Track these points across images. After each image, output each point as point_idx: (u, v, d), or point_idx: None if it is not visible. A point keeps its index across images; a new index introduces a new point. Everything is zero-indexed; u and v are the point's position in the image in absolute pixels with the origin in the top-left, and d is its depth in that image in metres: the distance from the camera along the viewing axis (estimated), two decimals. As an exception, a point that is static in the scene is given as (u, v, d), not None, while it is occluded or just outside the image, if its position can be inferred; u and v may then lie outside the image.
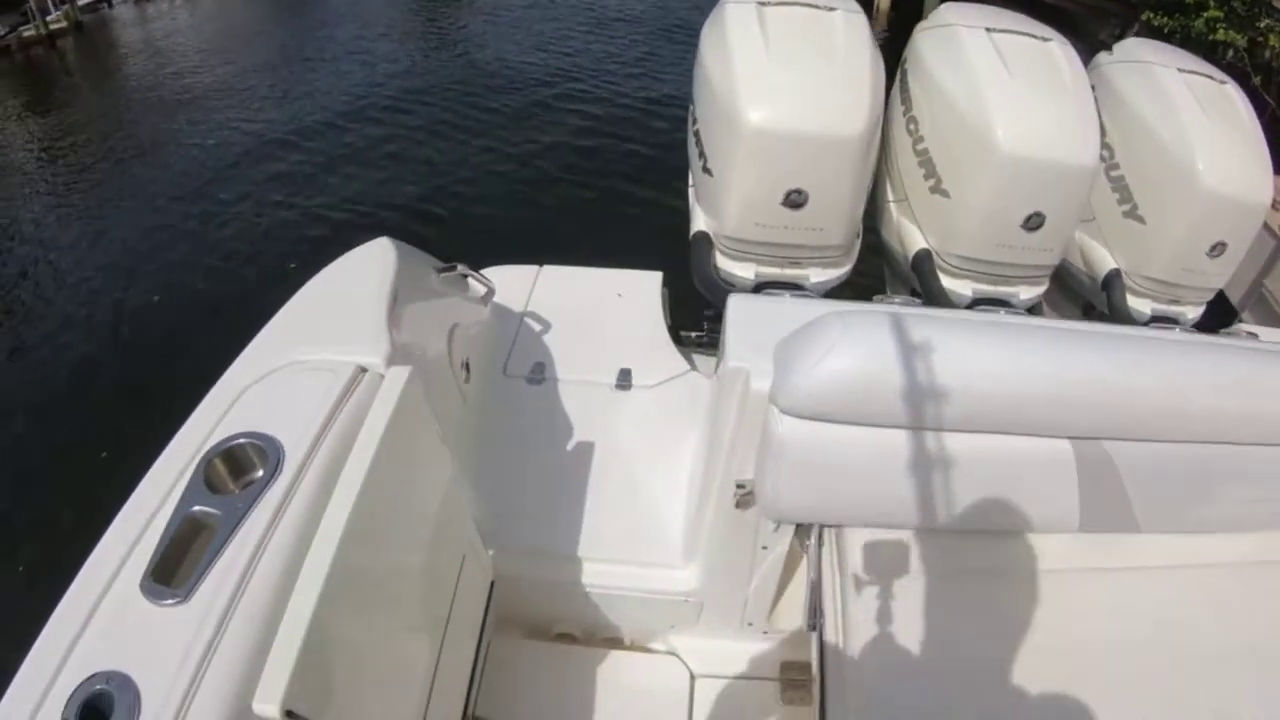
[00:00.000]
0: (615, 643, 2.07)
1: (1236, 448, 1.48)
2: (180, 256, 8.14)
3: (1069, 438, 1.39)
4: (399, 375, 1.33)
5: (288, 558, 1.12)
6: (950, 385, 1.24)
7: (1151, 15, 7.45)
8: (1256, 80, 6.83)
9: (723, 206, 2.37)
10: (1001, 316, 2.04)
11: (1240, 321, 4.51)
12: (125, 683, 1.00)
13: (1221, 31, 6.59)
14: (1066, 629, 1.44)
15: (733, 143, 2.24)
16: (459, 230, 7.96)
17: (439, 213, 8.36)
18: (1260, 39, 6.45)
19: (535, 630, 2.06)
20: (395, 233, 1.84)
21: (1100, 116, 2.42)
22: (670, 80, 11.93)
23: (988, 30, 2.45)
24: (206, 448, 1.26)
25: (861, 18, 2.42)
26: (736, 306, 1.66)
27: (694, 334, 2.61)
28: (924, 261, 2.57)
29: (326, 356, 1.42)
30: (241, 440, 1.25)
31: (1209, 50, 7.08)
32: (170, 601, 1.08)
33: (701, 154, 2.42)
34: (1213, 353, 1.47)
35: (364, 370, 1.40)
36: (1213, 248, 2.66)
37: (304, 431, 1.25)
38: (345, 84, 12.61)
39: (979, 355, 1.30)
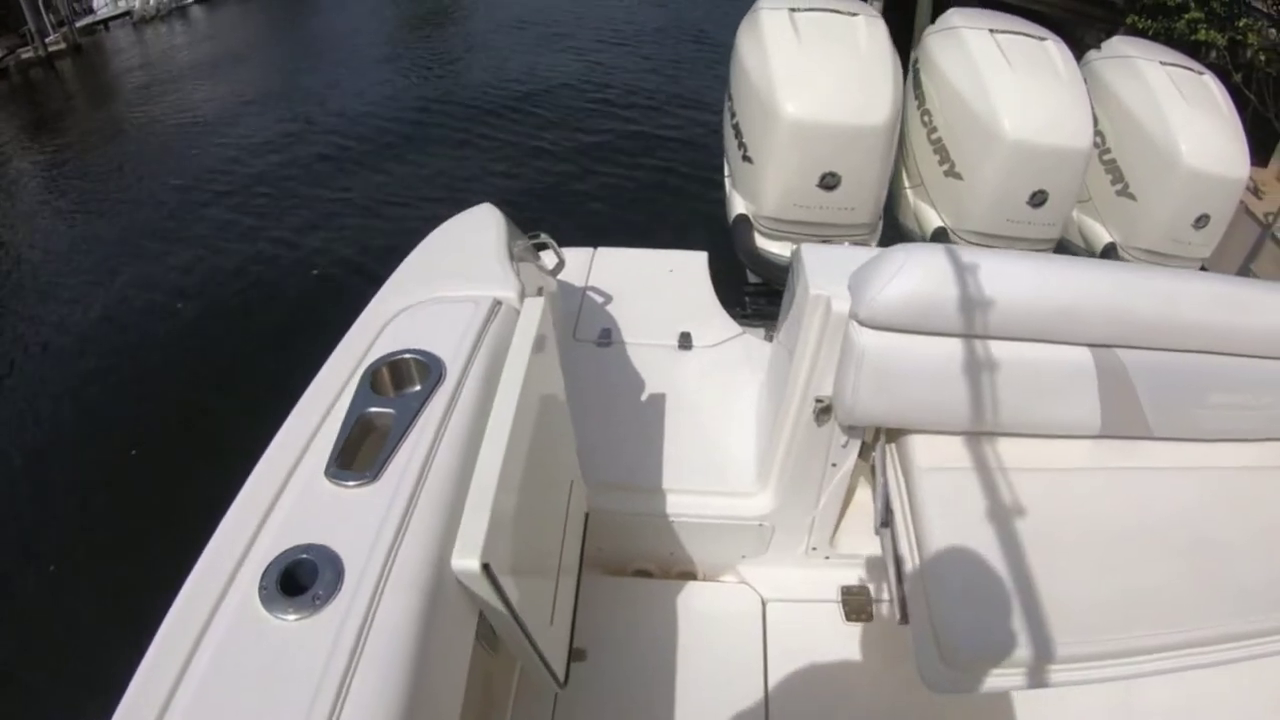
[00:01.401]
0: (689, 575, 2.28)
1: (1226, 358, 1.78)
2: (197, 270, 8.23)
3: (1088, 344, 1.70)
4: (535, 305, 1.54)
5: (464, 443, 1.28)
6: (993, 299, 1.55)
7: (1136, 19, 7.82)
8: (1237, 78, 7.17)
9: (763, 190, 2.70)
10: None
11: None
12: (324, 552, 1.08)
13: (1203, 32, 6.94)
14: (1098, 516, 1.71)
15: (772, 132, 2.57)
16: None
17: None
18: (1240, 38, 6.81)
19: (615, 567, 2.27)
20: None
21: (1092, 106, 2.76)
22: (692, 85, 12.65)
23: (990, 31, 2.81)
24: (368, 362, 1.40)
25: (881, 23, 2.78)
26: (809, 252, 1.90)
27: (738, 309, 2.92)
28: (941, 238, 2.89)
29: (464, 293, 1.60)
30: (406, 355, 1.41)
31: (1191, 50, 7.44)
32: (357, 483, 1.18)
33: (741, 144, 2.75)
34: (1200, 278, 1.80)
35: (499, 303, 1.59)
36: (1197, 220, 2.99)
37: (458, 350, 1.42)
38: (346, 101, 12.74)
39: (1014, 274, 1.60)
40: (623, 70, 13.39)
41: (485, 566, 1.11)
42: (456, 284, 1.67)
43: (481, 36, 16.02)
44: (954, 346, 1.63)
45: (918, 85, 2.96)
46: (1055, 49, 2.84)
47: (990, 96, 2.66)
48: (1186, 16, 7.18)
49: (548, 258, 2.30)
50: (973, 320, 1.58)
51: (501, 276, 1.70)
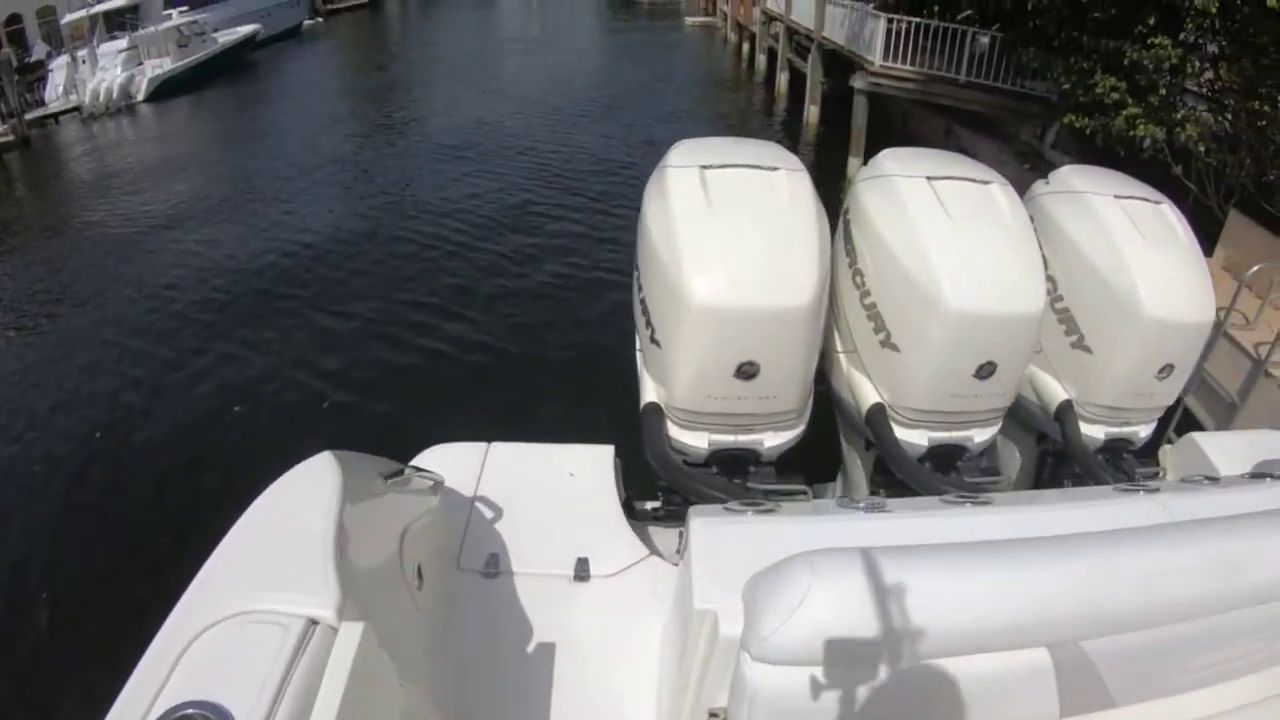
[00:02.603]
0: None
1: (1213, 619, 1.49)
2: (115, 392, 8.12)
3: (1047, 644, 1.39)
4: (352, 634, 1.26)
5: None
6: (928, 620, 1.23)
7: (1073, 117, 7.84)
8: (1177, 169, 7.17)
9: (673, 378, 2.38)
10: (968, 536, 2.01)
11: (1184, 406, 4.58)
12: None
13: (1141, 127, 6.94)
14: None
15: (680, 317, 2.26)
16: (402, 406, 7.37)
17: (380, 385, 8.00)
18: (1178, 129, 6.80)
19: None
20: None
21: (1044, 256, 2.50)
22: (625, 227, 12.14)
23: (928, 179, 2.52)
24: (153, 717, 1.19)
25: (803, 176, 2.48)
26: (699, 532, 1.63)
27: (650, 505, 2.59)
28: (877, 415, 2.59)
29: (274, 607, 1.35)
30: (190, 711, 1.18)
31: (1128, 146, 7.45)
32: None
33: (649, 323, 2.45)
34: (1191, 538, 1.49)
35: (315, 623, 1.33)
36: (1160, 370, 2.73)
37: (256, 699, 1.18)
38: (276, 221, 12.66)
39: (953, 586, 1.29)
40: (549, 220, 12.59)
41: None
42: (266, 593, 1.38)
43: (419, 164, 15.98)
44: (878, 675, 1.29)
45: (848, 240, 2.67)
46: (1001, 193, 2.57)
47: (928, 258, 2.36)
48: (1124, 113, 7.17)
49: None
50: (900, 646, 1.24)
51: (320, 585, 1.38)
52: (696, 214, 2.31)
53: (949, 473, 2.70)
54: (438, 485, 2.16)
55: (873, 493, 2.93)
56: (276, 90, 24.78)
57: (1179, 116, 6.71)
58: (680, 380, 2.37)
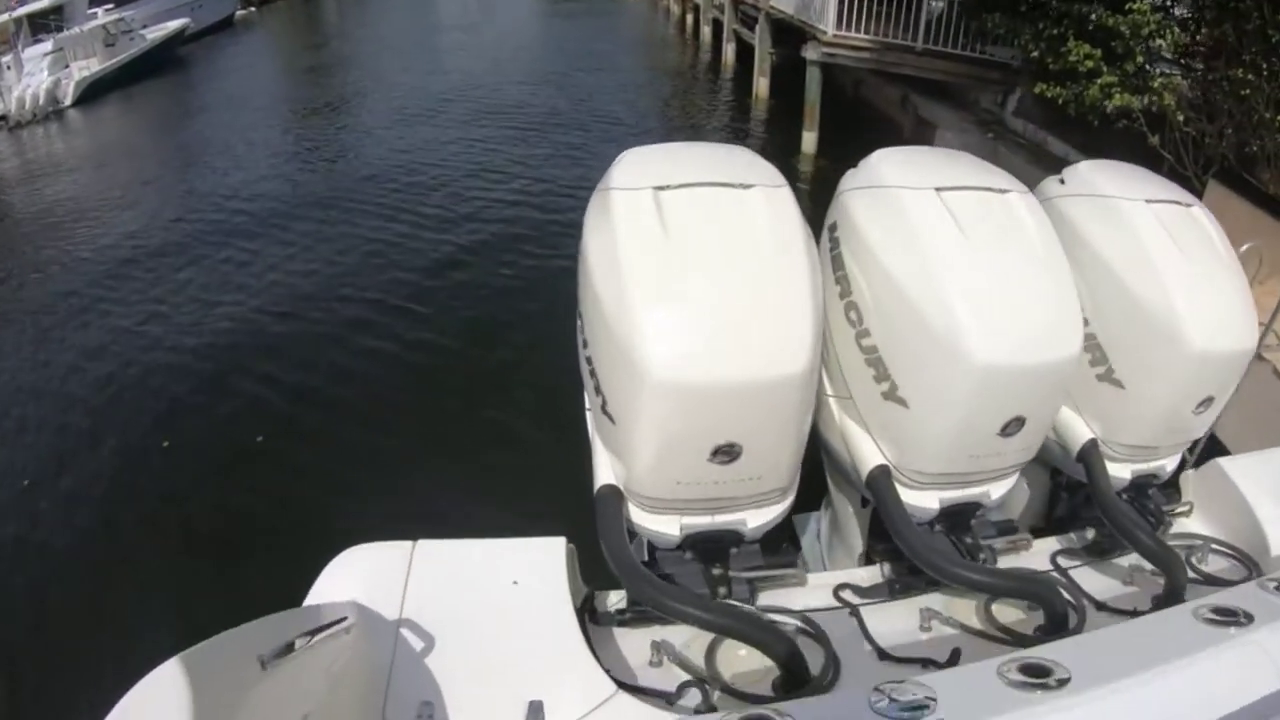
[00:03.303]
0: None
1: None
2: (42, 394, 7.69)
3: None
4: None
5: None
6: None
7: (1044, 86, 7.49)
8: (1154, 140, 6.88)
9: (632, 459, 1.93)
10: None
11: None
12: None
13: (1118, 97, 6.62)
14: None
15: (635, 389, 1.80)
16: (308, 493, 5.85)
17: (289, 470, 6.28)
18: (1155, 99, 6.50)
19: None
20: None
21: (1078, 290, 2.09)
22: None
23: (937, 190, 2.07)
24: None
25: (784, 194, 1.99)
26: None
27: (614, 603, 2.15)
28: (880, 479, 2.16)
29: None
30: None
31: (1103, 118, 7.14)
32: None
33: (598, 390, 1.98)
34: None
35: None
36: (1200, 404, 2.37)
37: None
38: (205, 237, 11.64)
39: None
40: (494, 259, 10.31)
41: None
42: None
43: (359, 152, 15.13)
44: None
45: (838, 263, 2.20)
46: (1022, 206, 2.12)
47: (945, 297, 1.91)
48: (1100, 81, 6.84)
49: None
50: None
51: None
52: (650, 253, 1.82)
53: (962, 533, 2.30)
54: (350, 626, 1.71)
55: (869, 558, 2.53)
56: (209, 84, 23.92)
57: (1155, 85, 6.40)
58: (641, 463, 1.92)
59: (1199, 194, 6.74)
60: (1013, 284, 1.95)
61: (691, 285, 1.78)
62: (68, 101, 22.57)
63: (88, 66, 23.46)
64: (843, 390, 2.28)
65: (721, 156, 2.18)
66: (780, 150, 12.65)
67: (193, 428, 6.84)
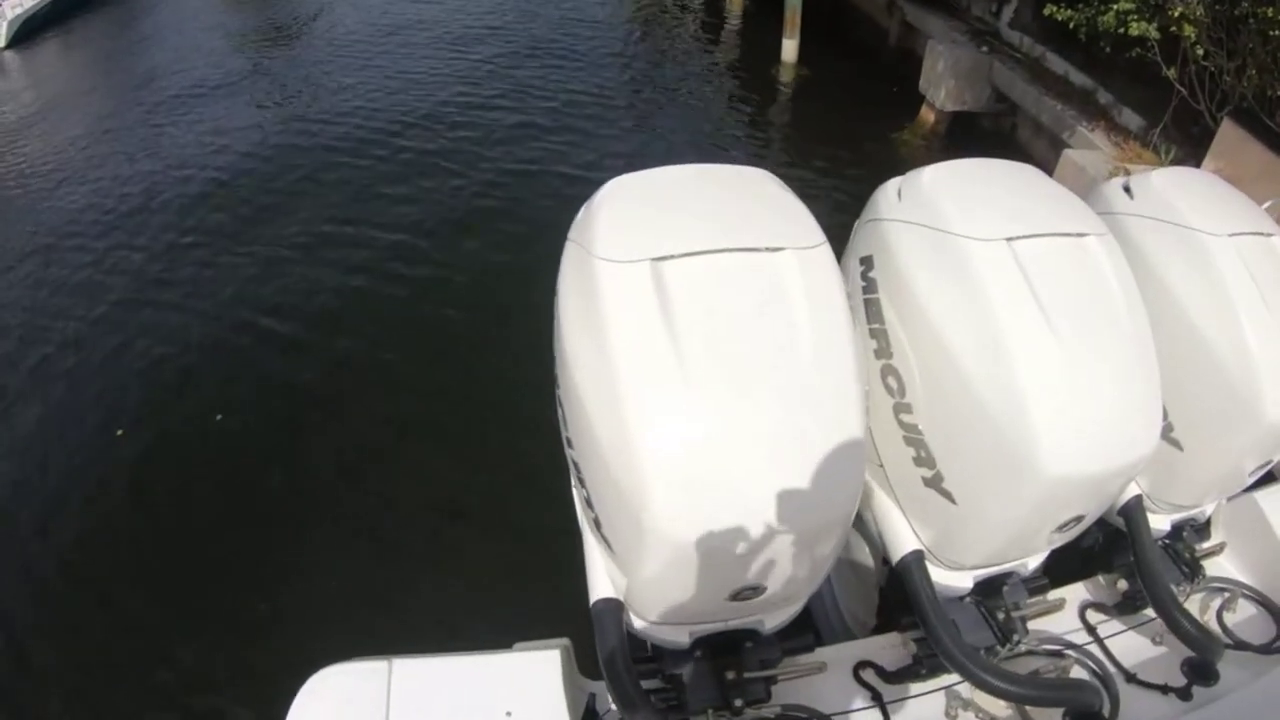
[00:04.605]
0: None
1: None
2: None
3: None
4: None
5: None
6: None
7: (1054, 9, 7.07)
8: (1170, 72, 6.56)
9: (635, 587, 1.67)
10: None
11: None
12: None
13: (1134, 25, 6.25)
14: None
15: (637, 539, 1.46)
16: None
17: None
18: (1174, 29, 6.15)
19: None
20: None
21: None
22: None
23: (1009, 241, 1.72)
24: None
25: (824, 254, 1.62)
26: None
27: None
28: (913, 567, 1.93)
29: None
30: None
31: (1117, 43, 6.78)
32: None
33: (590, 505, 1.70)
34: None
35: None
36: (1260, 466, 2.18)
37: None
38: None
39: None
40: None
41: None
42: None
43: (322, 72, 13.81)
44: None
45: (871, 309, 1.88)
46: (1102, 253, 1.79)
47: (1018, 396, 1.60)
48: (1115, 7, 6.45)
49: None
50: None
51: None
52: (653, 357, 1.44)
53: (994, 601, 2.08)
54: None
55: (888, 616, 2.33)
56: (153, 11, 22.07)
57: (1175, 14, 6.04)
58: (646, 600, 1.66)
59: (1210, 130, 6.48)
60: (1096, 374, 1.65)
61: (708, 403, 1.42)
62: (1, 44, 21.12)
63: (20, 4, 21.88)
64: (874, 458, 2.02)
65: (738, 195, 1.78)
66: (759, 60, 12.02)
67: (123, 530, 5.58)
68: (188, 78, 14.38)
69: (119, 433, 6.16)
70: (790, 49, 11.64)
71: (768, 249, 1.58)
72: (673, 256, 1.53)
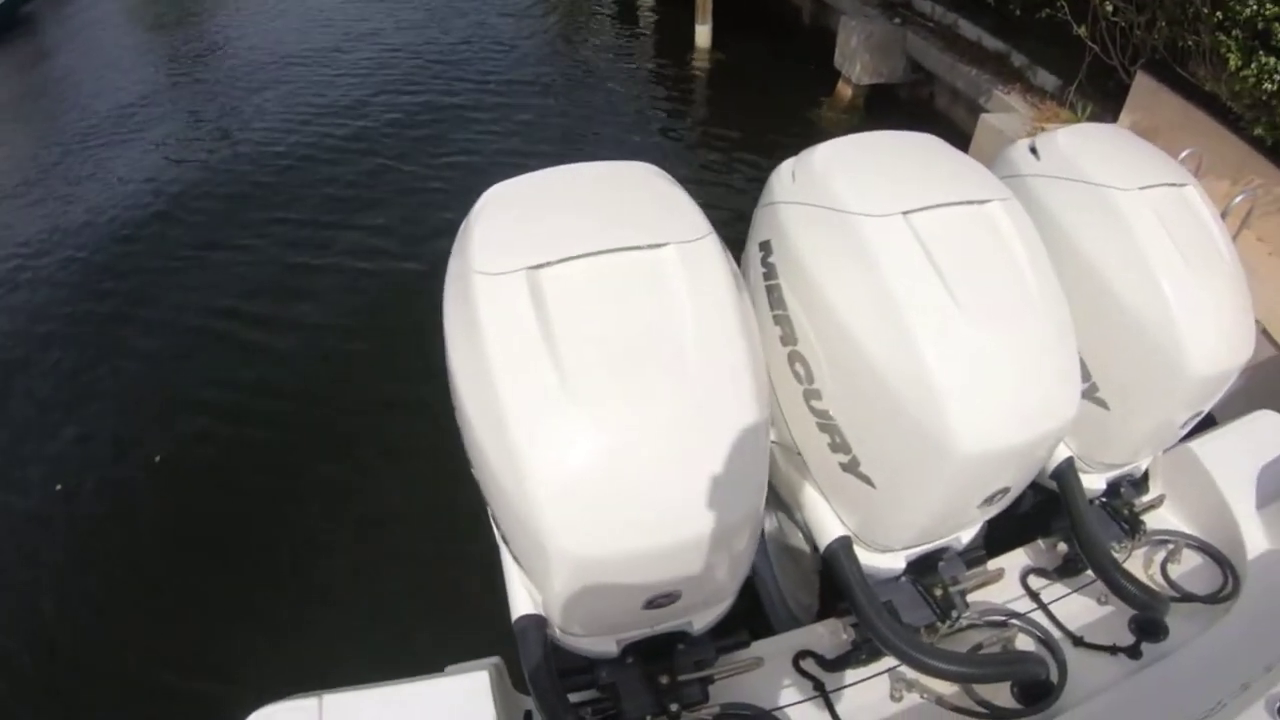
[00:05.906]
0: None
1: None
2: None
3: None
4: None
5: None
6: None
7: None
8: (1081, 30, 6.67)
9: (552, 604, 1.59)
10: None
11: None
12: None
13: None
14: None
15: (543, 561, 1.40)
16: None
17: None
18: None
19: None
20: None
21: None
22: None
23: (905, 215, 1.68)
24: None
25: (709, 244, 1.58)
26: None
27: None
28: (840, 554, 1.88)
29: None
30: None
31: (1027, 5, 6.88)
32: None
33: (497, 525, 1.64)
34: None
35: None
36: (1189, 419, 2.18)
37: None
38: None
39: None
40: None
41: None
42: None
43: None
44: None
45: (773, 295, 1.84)
46: (1006, 218, 1.77)
47: (926, 379, 1.56)
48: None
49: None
50: None
51: None
52: (531, 372, 1.39)
53: (930, 578, 2.04)
54: None
55: (820, 613, 2.29)
56: (63, 43, 20.88)
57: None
58: (563, 608, 1.60)
59: (1124, 84, 6.59)
60: (1005, 344, 1.62)
61: (595, 417, 1.37)
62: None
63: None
64: (788, 439, 1.98)
65: (619, 192, 1.74)
66: (673, 48, 11.97)
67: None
68: (118, 112, 13.59)
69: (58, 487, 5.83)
70: (704, 34, 11.62)
71: (649, 246, 1.54)
72: (550, 263, 1.49)
